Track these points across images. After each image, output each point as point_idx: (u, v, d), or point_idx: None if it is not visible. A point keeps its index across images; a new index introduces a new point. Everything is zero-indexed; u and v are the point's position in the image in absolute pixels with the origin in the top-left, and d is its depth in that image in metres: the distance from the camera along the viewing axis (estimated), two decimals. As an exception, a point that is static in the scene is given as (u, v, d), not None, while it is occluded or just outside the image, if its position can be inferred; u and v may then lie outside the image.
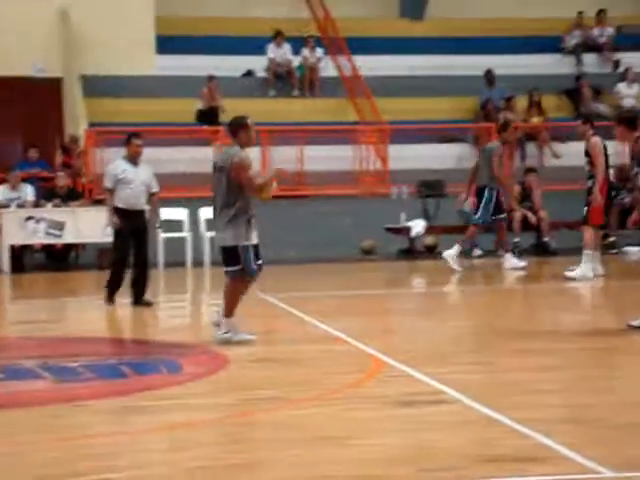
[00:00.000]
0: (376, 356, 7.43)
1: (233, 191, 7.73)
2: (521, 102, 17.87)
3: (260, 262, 7.95)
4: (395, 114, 17.52)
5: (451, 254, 13.37)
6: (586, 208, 12.24)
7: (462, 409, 5.80)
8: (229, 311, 8.04)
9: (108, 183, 10.69)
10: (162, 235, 15.24)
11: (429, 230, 15.86)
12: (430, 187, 16.49)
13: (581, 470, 4.55)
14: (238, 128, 7.84)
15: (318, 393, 6.28)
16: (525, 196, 15.94)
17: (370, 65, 18.38)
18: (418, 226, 15.83)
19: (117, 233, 10.65)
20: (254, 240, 7.88)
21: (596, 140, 12.32)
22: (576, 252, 15.75)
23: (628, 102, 18.04)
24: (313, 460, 4.81)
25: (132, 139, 10.78)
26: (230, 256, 7.84)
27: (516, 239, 15.69)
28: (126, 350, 8.50)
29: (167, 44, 18.45)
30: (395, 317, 10.44)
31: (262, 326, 9.77)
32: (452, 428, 5.40)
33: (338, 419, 5.64)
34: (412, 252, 15.84)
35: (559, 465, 4.64)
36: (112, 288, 10.69)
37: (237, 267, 7.84)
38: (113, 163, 10.97)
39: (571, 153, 16.97)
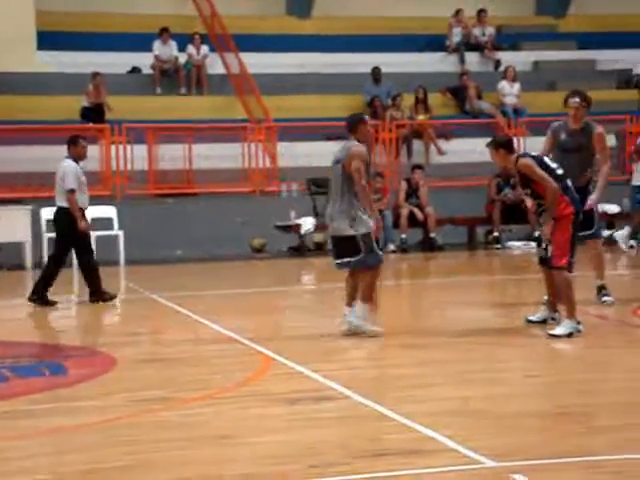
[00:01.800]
0: (266, 354, 7.45)
1: (349, 182, 7.82)
2: (407, 99, 18.12)
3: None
4: (283, 111, 17.56)
5: (622, 235, 13.27)
6: None
7: (350, 405, 5.87)
8: (368, 298, 7.91)
9: (74, 184, 10.48)
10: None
11: (319, 227, 15.95)
12: (319, 184, 16.57)
13: (465, 461, 4.67)
14: (357, 124, 8.00)
15: (208, 392, 6.27)
16: (412, 193, 16.18)
17: (258, 62, 18.38)
18: (308, 223, 15.91)
19: (78, 235, 10.50)
20: (369, 229, 7.86)
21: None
22: (461, 247, 16.13)
23: (510, 100, 18.48)
24: (204, 459, 4.80)
25: (79, 140, 10.71)
26: (348, 246, 7.86)
27: (403, 235, 15.92)
28: (6, 353, 8.28)
29: (49, 40, 18.07)
30: (285, 315, 10.48)
31: (151, 326, 9.69)
32: (340, 424, 5.46)
33: (228, 418, 5.65)
34: (302, 249, 15.92)
35: (444, 457, 4.75)
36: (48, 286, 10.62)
37: (358, 257, 7.84)
38: (69, 164, 10.58)
39: (456, 150, 17.31)
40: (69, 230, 10.51)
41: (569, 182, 7.94)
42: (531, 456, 4.71)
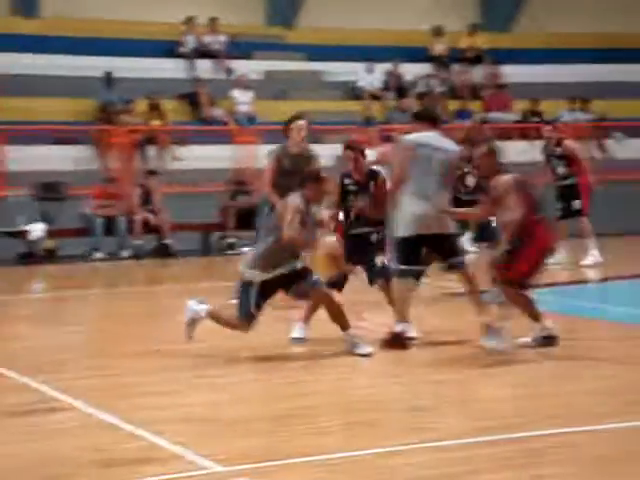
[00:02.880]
0: (-9, 366, 7.18)
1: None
2: (141, 105, 17.99)
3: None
4: (12, 113, 16.93)
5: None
6: (578, 201, 13.01)
7: (78, 415, 5.80)
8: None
9: None
10: None
11: (49, 233, 15.53)
12: (50, 189, 16.14)
13: (193, 467, 4.75)
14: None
15: None
16: (146, 199, 16.10)
17: (-18, 62, 17.60)
18: (37, 229, 15.44)
19: None
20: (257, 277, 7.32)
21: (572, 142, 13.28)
22: (196, 253, 16.19)
23: (243, 108, 18.79)
24: None
25: None
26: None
27: (137, 241, 15.81)
28: None
29: None
30: (13, 324, 10.11)
31: None
32: (68, 435, 5.39)
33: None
34: (31, 256, 15.41)
35: (172, 464, 4.80)
36: None
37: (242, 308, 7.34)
38: None
39: (191, 156, 17.39)
40: None
41: None
42: (260, 459, 4.85)
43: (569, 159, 13.21)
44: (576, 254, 13.11)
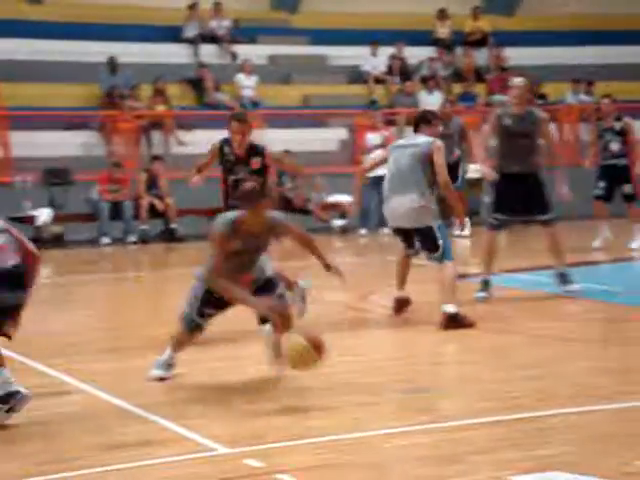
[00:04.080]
0: None
1: None
2: (146, 90, 18.06)
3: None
4: (17, 99, 17.02)
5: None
6: (630, 185, 12.18)
7: (87, 399, 5.91)
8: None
9: None
10: None
11: (56, 219, 15.64)
12: (56, 175, 16.24)
13: (200, 449, 4.85)
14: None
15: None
16: (152, 183, 16.20)
17: (-12, 48, 17.68)
18: (44, 215, 15.55)
19: None
20: None
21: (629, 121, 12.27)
22: (203, 238, 16.26)
23: (247, 92, 18.85)
24: None
25: None
26: None
27: (143, 226, 15.92)
28: None
29: None
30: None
31: None
32: (77, 419, 5.49)
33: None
34: (39, 241, 15.47)
35: (179, 446, 4.90)
36: None
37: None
38: None
39: (196, 141, 17.47)
40: None
41: None
42: (266, 440, 4.94)
43: (626, 136, 12.08)
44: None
